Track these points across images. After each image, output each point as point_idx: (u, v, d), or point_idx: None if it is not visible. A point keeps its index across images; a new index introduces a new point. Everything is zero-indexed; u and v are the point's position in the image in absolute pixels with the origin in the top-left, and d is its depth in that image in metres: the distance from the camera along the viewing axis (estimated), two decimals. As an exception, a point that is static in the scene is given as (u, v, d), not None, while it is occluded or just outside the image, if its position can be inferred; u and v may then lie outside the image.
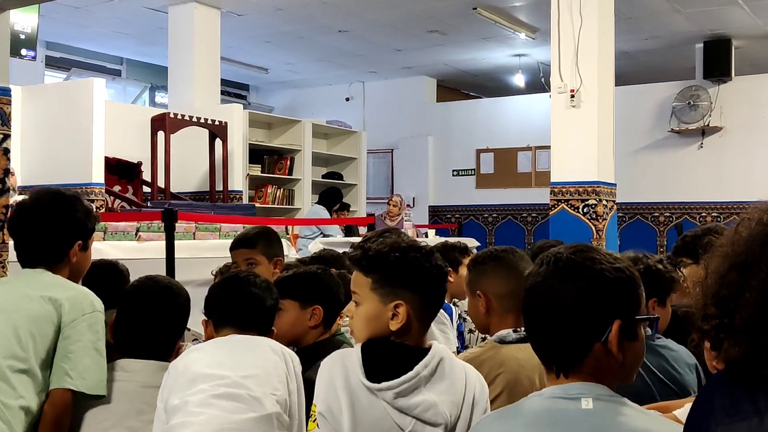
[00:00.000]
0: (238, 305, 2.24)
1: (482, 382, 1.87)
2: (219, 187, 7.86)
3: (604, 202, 6.29)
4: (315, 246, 5.54)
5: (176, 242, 3.73)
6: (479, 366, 1.98)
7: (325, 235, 7.42)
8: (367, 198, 10.59)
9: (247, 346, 2.14)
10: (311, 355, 2.26)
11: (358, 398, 1.72)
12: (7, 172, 3.06)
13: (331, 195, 8.38)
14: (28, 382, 2.12)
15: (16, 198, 5.32)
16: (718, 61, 9.74)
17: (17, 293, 2.22)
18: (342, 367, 1.77)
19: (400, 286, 1.77)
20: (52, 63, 10.31)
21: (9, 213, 3.02)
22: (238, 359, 2.08)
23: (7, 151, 3.05)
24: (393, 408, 1.71)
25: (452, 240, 3.61)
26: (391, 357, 1.76)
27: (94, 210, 2.60)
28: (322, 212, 8.06)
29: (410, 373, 1.72)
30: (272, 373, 2.05)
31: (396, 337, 1.78)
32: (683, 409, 1.84)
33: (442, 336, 2.83)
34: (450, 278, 3.18)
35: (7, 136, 3.06)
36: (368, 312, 1.78)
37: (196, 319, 2.43)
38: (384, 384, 1.71)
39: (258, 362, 2.07)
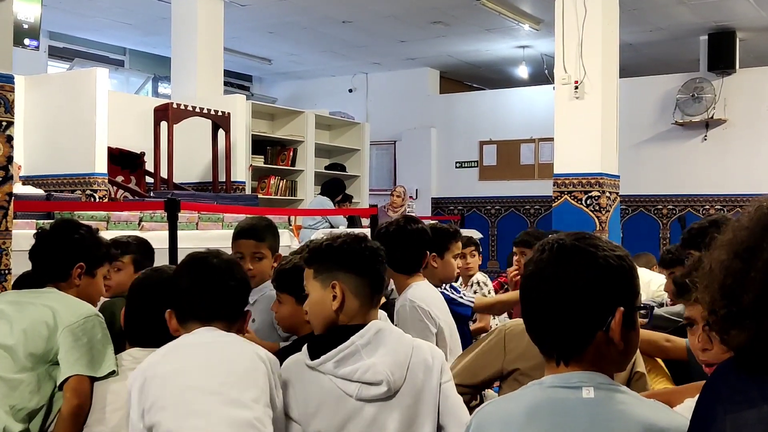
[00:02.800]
0: (217, 298, 2.07)
1: (435, 350, 2.04)
2: (222, 177, 7.86)
3: (608, 194, 6.28)
4: (318, 236, 5.54)
5: (179, 232, 3.73)
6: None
7: (332, 226, 7.44)
8: (370, 189, 10.58)
9: (233, 355, 1.98)
10: (313, 344, 2.25)
11: (301, 378, 1.94)
12: (11, 159, 3.06)
13: (334, 186, 8.40)
14: (21, 382, 2.26)
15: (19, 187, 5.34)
16: (722, 53, 9.71)
17: (22, 302, 2.43)
18: (295, 356, 2.01)
19: (334, 269, 1.99)
20: (55, 53, 10.30)
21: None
22: (230, 373, 1.93)
23: (10, 139, 3.05)
24: (336, 378, 1.89)
25: (443, 224, 3.52)
26: (333, 338, 1.94)
27: (103, 239, 2.74)
28: (327, 203, 8.07)
29: (345, 343, 1.91)
30: (265, 389, 1.94)
31: (343, 321, 1.97)
32: (684, 405, 1.83)
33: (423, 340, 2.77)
34: (434, 263, 3.17)
35: (10, 123, 3.05)
36: (313, 298, 2.01)
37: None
38: (321, 357, 1.91)
39: (252, 377, 1.94)
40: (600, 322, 1.37)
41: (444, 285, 3.32)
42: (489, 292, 4.69)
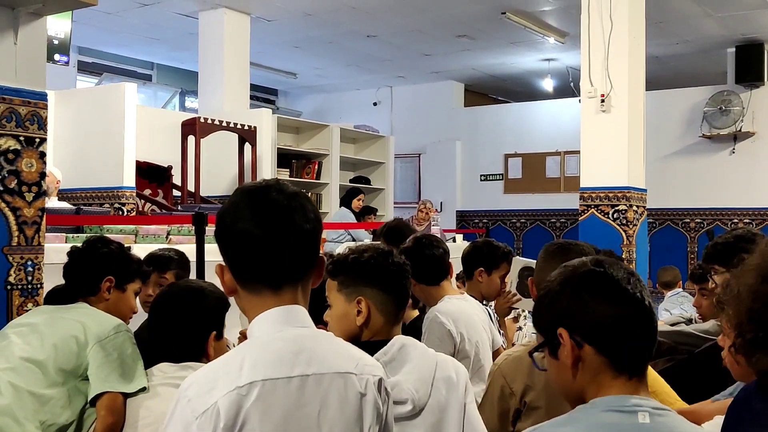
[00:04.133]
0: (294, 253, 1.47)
1: (459, 367, 2.03)
2: (248, 191, 7.88)
3: (635, 208, 6.23)
4: (342, 249, 5.54)
5: (206, 245, 3.76)
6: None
7: (353, 239, 7.44)
8: (395, 203, 10.58)
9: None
10: None
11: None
12: (44, 175, 3.11)
13: (349, 192, 8.44)
14: (52, 397, 2.28)
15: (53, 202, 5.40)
16: (750, 65, 9.63)
17: (53, 316, 2.46)
18: None
19: (360, 284, 1.96)
20: (84, 68, 10.44)
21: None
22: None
23: (43, 155, 3.09)
24: None
25: (499, 243, 3.47)
26: None
27: (134, 257, 2.79)
28: (348, 215, 8.08)
29: None
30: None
31: (366, 336, 1.95)
32: (714, 422, 1.81)
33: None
34: (479, 278, 3.18)
35: (43, 140, 3.10)
36: (337, 312, 1.97)
37: (233, 321, 2.46)
38: None
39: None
40: None
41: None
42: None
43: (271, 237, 1.41)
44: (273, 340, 1.41)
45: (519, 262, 3.27)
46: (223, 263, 1.47)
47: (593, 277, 1.38)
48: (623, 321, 1.34)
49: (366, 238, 7.48)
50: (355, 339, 1.91)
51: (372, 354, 1.81)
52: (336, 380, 1.42)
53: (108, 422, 2.24)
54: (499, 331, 3.34)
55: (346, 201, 8.37)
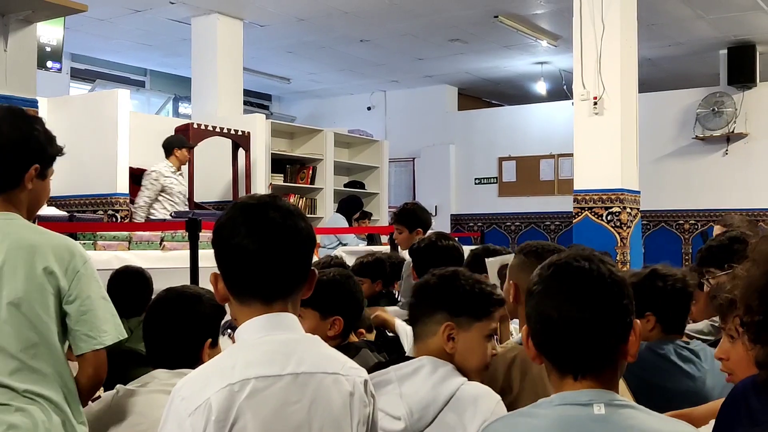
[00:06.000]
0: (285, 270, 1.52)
1: (485, 411, 1.85)
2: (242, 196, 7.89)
3: (629, 210, 6.24)
4: (339, 253, 5.54)
5: (200, 251, 3.75)
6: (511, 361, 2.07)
7: (342, 244, 7.43)
8: (389, 207, 10.57)
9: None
10: None
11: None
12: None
13: (351, 203, 8.40)
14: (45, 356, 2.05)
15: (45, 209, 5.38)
16: (742, 67, 9.66)
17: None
18: None
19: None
20: (77, 75, 10.43)
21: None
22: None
23: (33, 162, 3.07)
24: None
25: (496, 246, 3.45)
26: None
27: (57, 142, 2.22)
28: (341, 221, 8.07)
29: (382, 370, 1.88)
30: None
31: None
32: (709, 426, 1.81)
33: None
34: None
35: (34, 147, 3.08)
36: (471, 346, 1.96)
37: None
38: None
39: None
40: (623, 335, 1.37)
41: None
42: None
43: (266, 254, 1.45)
44: (263, 342, 1.45)
45: (495, 262, 3.22)
46: (218, 271, 1.51)
47: (540, 282, 1.43)
48: (553, 324, 1.38)
49: (358, 243, 7.47)
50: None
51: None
52: (325, 379, 1.46)
53: (91, 380, 2.13)
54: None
55: (345, 210, 8.31)
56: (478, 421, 1.79)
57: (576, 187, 6.37)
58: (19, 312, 1.98)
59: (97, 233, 4.31)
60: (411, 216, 4.46)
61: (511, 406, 1.92)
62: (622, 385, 2.19)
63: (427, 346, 1.94)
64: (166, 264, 4.21)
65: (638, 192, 6.48)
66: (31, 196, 2.14)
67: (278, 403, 1.39)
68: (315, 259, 5.14)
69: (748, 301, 1.25)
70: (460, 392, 1.84)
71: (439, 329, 1.93)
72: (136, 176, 7.43)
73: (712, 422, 1.56)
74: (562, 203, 10.12)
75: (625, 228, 6.18)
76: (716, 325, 2.75)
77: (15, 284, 1.99)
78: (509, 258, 3.05)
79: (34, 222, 2.23)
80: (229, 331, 2.71)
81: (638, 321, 1.39)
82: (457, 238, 3.74)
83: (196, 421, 1.34)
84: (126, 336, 2.14)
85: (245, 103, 9.65)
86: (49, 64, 7.08)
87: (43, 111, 6.78)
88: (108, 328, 2.08)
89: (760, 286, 1.24)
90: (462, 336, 1.93)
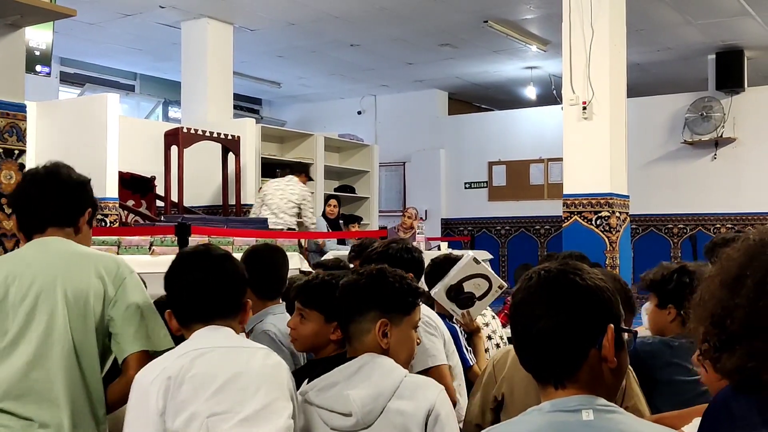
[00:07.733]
0: (214, 297, 2.01)
1: (432, 400, 1.90)
2: (232, 200, 7.88)
3: (618, 214, 6.26)
4: (330, 257, 5.53)
5: (189, 256, 3.74)
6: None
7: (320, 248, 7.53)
8: (380, 211, 10.59)
9: (255, 360, 1.96)
10: (325, 370, 2.14)
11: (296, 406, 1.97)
12: (23, 187, 3.08)
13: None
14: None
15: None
16: (730, 72, 9.72)
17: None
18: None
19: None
20: (66, 79, 10.40)
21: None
22: (258, 382, 1.90)
23: (22, 167, 3.08)
24: (318, 407, 1.93)
25: (458, 254, 3.43)
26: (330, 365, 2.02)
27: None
28: (320, 223, 8.07)
29: (330, 372, 1.95)
30: (288, 389, 1.97)
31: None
32: (693, 424, 1.83)
33: (430, 344, 2.70)
34: None
35: (22, 152, 3.08)
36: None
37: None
38: (305, 386, 1.98)
39: (278, 382, 1.96)
40: (592, 340, 1.38)
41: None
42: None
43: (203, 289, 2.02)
44: (203, 338, 1.95)
45: (440, 291, 3.19)
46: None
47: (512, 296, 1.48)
48: (518, 336, 1.44)
49: (340, 250, 7.35)
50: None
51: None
52: (258, 350, 1.98)
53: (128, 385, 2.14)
54: (466, 348, 3.16)
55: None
56: (424, 408, 1.87)
57: (565, 191, 6.39)
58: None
59: (86, 238, 4.29)
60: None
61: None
62: (630, 379, 2.23)
63: (363, 344, 1.99)
64: (156, 269, 4.14)
65: (627, 196, 6.50)
66: (80, 241, 2.28)
67: (222, 357, 1.89)
68: (305, 264, 5.15)
69: (705, 330, 1.28)
70: (404, 383, 1.92)
71: (373, 327, 1.98)
72: (126, 180, 7.42)
73: (696, 420, 1.57)
74: (552, 207, 10.15)
75: (614, 232, 6.20)
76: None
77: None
78: (451, 277, 3.14)
79: None
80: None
81: (612, 326, 1.39)
82: (447, 242, 3.75)
83: (156, 382, 1.81)
84: (173, 346, 2.09)
85: (235, 107, 9.65)
86: (38, 68, 7.06)
87: (32, 115, 6.76)
88: (163, 334, 2.14)
89: (710, 311, 1.26)
90: (395, 331, 2.00)
